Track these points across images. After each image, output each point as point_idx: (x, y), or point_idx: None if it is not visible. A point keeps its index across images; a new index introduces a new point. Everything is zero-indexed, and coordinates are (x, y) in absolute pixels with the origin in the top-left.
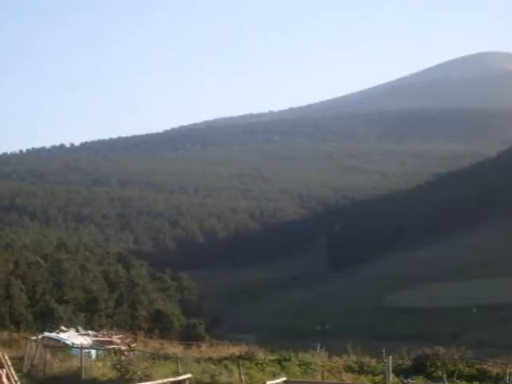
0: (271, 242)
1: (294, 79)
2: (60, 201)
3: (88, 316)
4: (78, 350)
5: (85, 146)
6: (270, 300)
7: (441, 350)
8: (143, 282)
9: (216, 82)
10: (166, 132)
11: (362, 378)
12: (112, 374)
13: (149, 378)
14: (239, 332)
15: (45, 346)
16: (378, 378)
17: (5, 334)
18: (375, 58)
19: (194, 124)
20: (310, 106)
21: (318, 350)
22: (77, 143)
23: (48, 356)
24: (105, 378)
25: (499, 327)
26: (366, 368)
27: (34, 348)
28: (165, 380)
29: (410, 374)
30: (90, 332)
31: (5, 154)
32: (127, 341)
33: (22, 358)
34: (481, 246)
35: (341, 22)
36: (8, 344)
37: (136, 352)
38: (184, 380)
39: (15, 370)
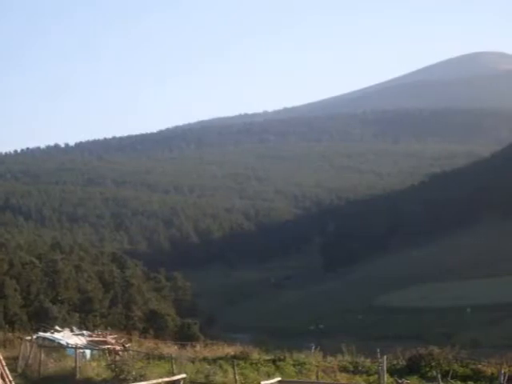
0: (266, 241)
1: (289, 79)
2: (54, 201)
3: (82, 316)
4: (73, 350)
5: (79, 146)
6: (265, 300)
7: (435, 349)
8: (138, 281)
9: (210, 82)
10: (160, 132)
11: (357, 378)
12: (106, 374)
13: (143, 377)
14: (234, 332)
15: (39, 346)
16: (372, 378)
17: None
18: (369, 58)
19: (189, 124)
20: (304, 106)
21: (313, 350)
22: (71, 143)
23: (42, 356)
24: (99, 378)
25: (493, 327)
26: (360, 368)
27: (28, 348)
28: (159, 380)
29: (405, 373)
30: (84, 332)
31: None
32: (122, 341)
33: (16, 358)
34: (475, 245)
35: (335, 22)
36: (2, 344)
37: (130, 352)
38: (178, 380)
39: (10, 369)
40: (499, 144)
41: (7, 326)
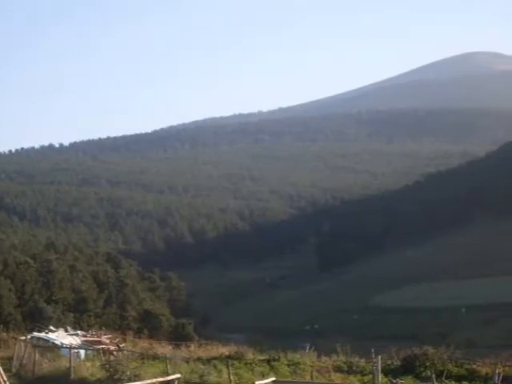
0: (260, 241)
1: (284, 79)
2: (49, 201)
3: (77, 316)
4: (67, 350)
5: (74, 146)
6: (260, 300)
7: (430, 349)
8: (132, 281)
9: (205, 82)
10: (155, 132)
11: (351, 378)
12: (101, 374)
13: (138, 378)
14: (229, 332)
15: (34, 346)
16: (366, 378)
17: None
18: (364, 59)
19: (184, 124)
20: (299, 106)
21: (307, 350)
22: (66, 143)
23: (37, 356)
24: (94, 378)
25: (488, 327)
26: (354, 368)
27: (22, 348)
28: (154, 380)
29: (399, 374)
30: (78, 332)
31: None
32: (116, 341)
33: (10, 358)
34: (470, 245)
35: (331, 22)
36: None
37: (125, 352)
38: (173, 380)
39: (4, 369)
40: (494, 144)
41: (2, 326)
